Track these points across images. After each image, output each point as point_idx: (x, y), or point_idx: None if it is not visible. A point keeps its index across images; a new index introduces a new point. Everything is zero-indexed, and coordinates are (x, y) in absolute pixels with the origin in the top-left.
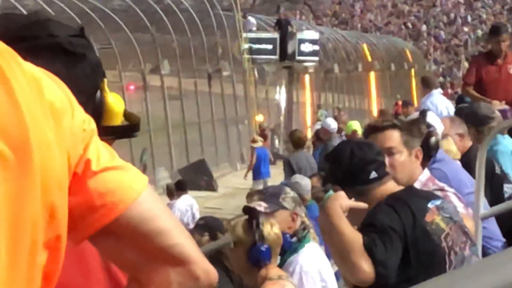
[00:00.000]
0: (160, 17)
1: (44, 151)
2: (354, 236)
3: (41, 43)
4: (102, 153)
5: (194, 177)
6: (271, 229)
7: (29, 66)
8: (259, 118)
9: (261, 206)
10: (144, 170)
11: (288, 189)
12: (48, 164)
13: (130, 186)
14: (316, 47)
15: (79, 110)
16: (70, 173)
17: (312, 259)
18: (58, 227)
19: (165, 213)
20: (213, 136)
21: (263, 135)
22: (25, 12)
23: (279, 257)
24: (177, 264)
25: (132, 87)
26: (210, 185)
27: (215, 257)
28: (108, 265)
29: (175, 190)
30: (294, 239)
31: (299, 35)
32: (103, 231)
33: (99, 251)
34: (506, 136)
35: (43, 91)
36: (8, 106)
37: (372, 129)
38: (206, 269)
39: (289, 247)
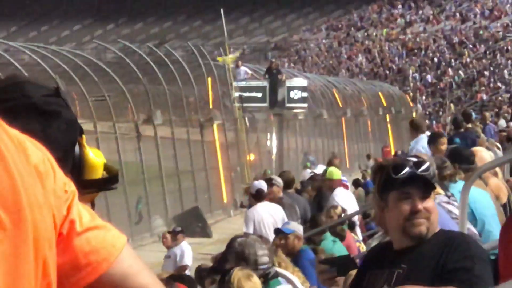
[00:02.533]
0: (152, 68)
1: (35, 212)
2: None
3: (17, 104)
4: (83, 214)
5: (188, 224)
6: (243, 283)
7: (13, 131)
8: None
9: None
10: (139, 218)
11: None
12: (39, 224)
13: (113, 245)
14: (305, 94)
15: (60, 173)
16: (56, 233)
17: None
18: (50, 284)
19: (144, 269)
20: (207, 183)
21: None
22: (19, 67)
23: None
24: None
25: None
26: (204, 232)
27: None
28: None
29: (172, 236)
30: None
31: (288, 83)
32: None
33: None
34: None
35: (28, 154)
36: (1, 172)
37: None
38: None
39: None
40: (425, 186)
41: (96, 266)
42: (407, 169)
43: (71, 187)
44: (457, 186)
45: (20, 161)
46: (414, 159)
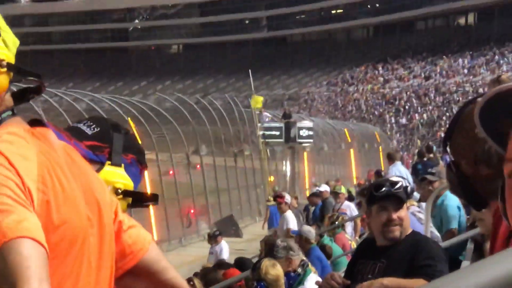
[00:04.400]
0: (199, 114)
1: (107, 210)
2: None
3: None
4: (124, 216)
5: (225, 227)
6: (270, 270)
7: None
8: (272, 184)
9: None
10: (189, 223)
11: (279, 242)
12: (109, 221)
13: (145, 239)
14: (311, 132)
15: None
16: None
17: (313, 286)
18: (113, 269)
19: (164, 258)
20: (239, 198)
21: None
22: (101, 112)
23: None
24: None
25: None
26: (237, 233)
27: None
28: None
29: (215, 237)
30: (297, 273)
31: (299, 124)
32: (127, 272)
33: (120, 285)
34: None
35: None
36: (82, 176)
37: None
38: None
39: (294, 281)
40: (397, 201)
41: (136, 254)
42: (384, 188)
43: (114, 197)
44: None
45: (93, 174)
46: (391, 180)
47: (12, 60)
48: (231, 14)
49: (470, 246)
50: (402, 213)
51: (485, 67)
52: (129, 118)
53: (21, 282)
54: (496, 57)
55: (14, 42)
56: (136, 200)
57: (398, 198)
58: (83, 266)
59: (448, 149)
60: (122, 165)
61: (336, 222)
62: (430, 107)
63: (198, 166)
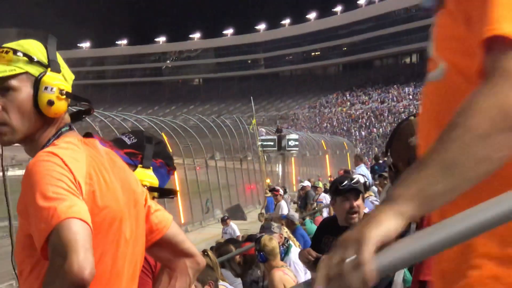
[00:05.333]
0: (214, 130)
1: (140, 199)
2: None
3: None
4: (152, 203)
5: (234, 213)
6: (267, 242)
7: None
8: (268, 181)
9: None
10: (207, 210)
11: (273, 223)
12: (141, 206)
13: (167, 219)
14: (297, 143)
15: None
16: None
17: (297, 256)
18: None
19: (183, 233)
20: (244, 191)
21: (272, 190)
22: (142, 129)
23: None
24: (191, 256)
25: (198, 168)
26: (242, 217)
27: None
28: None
29: (225, 220)
30: (284, 247)
31: (288, 136)
32: (154, 243)
33: (149, 254)
34: None
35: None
36: (118, 169)
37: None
38: (203, 260)
39: (283, 252)
40: (356, 192)
41: (161, 230)
42: (346, 183)
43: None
44: None
45: (128, 169)
46: (351, 177)
47: (69, 89)
48: (238, 56)
49: (413, 226)
50: (359, 202)
51: None
52: (162, 133)
53: (71, 251)
54: None
55: (70, 77)
56: (162, 193)
57: (357, 191)
58: (120, 241)
59: (389, 154)
60: (151, 167)
61: (316, 208)
62: (384, 124)
63: (198, 168)
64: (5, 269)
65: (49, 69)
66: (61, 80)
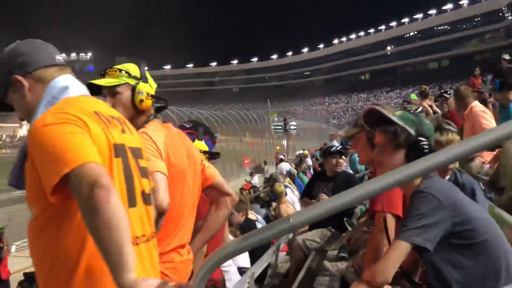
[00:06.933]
0: (246, 120)
1: (198, 159)
2: None
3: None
4: (205, 162)
5: (259, 169)
6: (278, 187)
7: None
8: (278, 148)
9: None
10: (244, 168)
11: (279, 175)
12: (198, 164)
13: (215, 172)
14: (295, 127)
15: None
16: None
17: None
18: (200, 188)
19: (224, 180)
20: (265, 155)
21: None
22: (197, 119)
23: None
24: (229, 195)
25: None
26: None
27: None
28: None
29: (252, 174)
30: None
31: (290, 123)
32: (206, 187)
33: (204, 194)
34: None
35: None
36: (188, 147)
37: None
38: (236, 197)
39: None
40: (340, 153)
41: (210, 179)
42: (334, 148)
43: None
44: None
45: (190, 141)
46: (335, 145)
47: (153, 93)
48: (259, 74)
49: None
50: (341, 160)
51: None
52: (214, 122)
53: (156, 191)
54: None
55: (154, 86)
56: (210, 156)
57: (341, 152)
58: (185, 186)
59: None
60: (203, 140)
61: (305, 167)
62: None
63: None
64: None
65: (140, 81)
66: (148, 87)
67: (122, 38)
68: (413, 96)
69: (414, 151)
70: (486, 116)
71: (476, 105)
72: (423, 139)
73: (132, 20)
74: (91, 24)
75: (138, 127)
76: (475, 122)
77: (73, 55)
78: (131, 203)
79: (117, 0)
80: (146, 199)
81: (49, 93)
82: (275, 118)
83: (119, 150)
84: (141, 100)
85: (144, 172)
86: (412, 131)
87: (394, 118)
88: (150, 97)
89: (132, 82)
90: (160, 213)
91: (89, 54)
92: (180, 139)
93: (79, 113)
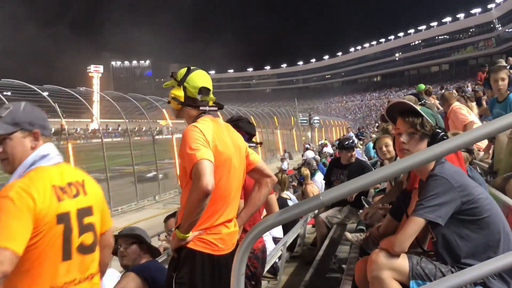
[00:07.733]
0: (277, 115)
1: (243, 148)
2: None
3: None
4: (249, 149)
5: (289, 154)
6: (304, 171)
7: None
8: (303, 138)
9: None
10: (273, 154)
11: (312, 160)
12: (243, 153)
13: (257, 157)
14: (318, 121)
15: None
16: (245, 155)
17: (319, 177)
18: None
19: (265, 164)
20: (293, 144)
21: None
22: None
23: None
24: (269, 176)
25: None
26: (291, 157)
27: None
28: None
29: (284, 159)
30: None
31: (314, 117)
32: (250, 170)
33: (248, 175)
34: None
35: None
36: (234, 137)
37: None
38: (276, 178)
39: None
40: (352, 148)
41: (253, 163)
42: (347, 142)
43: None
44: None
45: (236, 133)
46: (349, 139)
47: (195, 95)
48: (288, 78)
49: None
50: (353, 152)
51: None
52: (251, 117)
53: (202, 175)
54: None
55: (194, 88)
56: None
57: (352, 148)
58: (231, 169)
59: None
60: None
61: (326, 154)
62: (360, 113)
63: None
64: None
65: (176, 84)
66: (178, 91)
67: (175, 49)
68: (421, 86)
69: (436, 141)
70: (462, 112)
71: (455, 105)
72: (440, 130)
73: (185, 33)
74: (149, 36)
75: (190, 122)
76: (455, 118)
77: (134, 62)
78: (66, 257)
79: (171, 18)
80: (86, 249)
81: (32, 158)
82: (300, 114)
83: (62, 218)
84: (168, 102)
85: (88, 228)
86: (433, 124)
87: (421, 111)
88: (174, 100)
89: (175, 85)
90: (206, 194)
91: (148, 61)
92: (227, 131)
93: (34, 192)
